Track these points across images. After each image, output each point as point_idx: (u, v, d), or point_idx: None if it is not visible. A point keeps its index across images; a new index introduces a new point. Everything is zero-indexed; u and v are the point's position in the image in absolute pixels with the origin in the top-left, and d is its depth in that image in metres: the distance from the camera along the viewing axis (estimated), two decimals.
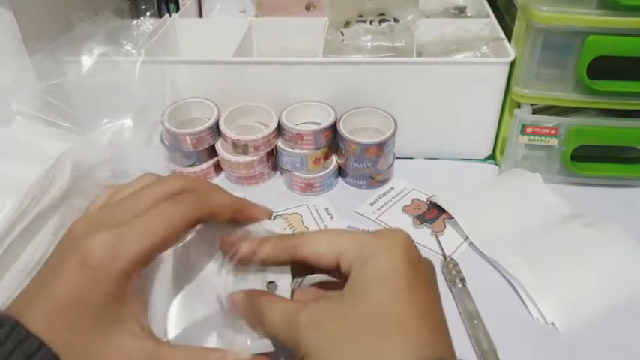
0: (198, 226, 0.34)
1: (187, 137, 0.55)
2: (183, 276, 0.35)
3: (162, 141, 0.57)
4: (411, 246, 0.30)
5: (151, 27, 0.66)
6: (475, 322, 0.41)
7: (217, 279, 0.35)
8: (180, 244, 0.34)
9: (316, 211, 0.54)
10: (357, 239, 0.31)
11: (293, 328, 0.29)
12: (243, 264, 0.34)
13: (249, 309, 0.32)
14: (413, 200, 0.55)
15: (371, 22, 0.63)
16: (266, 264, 0.34)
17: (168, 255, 0.33)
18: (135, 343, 0.29)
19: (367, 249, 0.30)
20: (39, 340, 0.26)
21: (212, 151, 0.57)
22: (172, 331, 0.34)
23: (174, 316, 0.34)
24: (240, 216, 0.35)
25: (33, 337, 0.26)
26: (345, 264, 0.30)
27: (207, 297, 0.35)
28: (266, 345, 0.33)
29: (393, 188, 0.57)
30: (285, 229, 0.36)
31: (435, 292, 0.29)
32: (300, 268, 0.34)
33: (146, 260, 0.30)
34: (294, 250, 0.32)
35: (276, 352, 0.33)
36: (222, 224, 0.36)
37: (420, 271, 0.29)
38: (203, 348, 0.33)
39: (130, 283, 0.29)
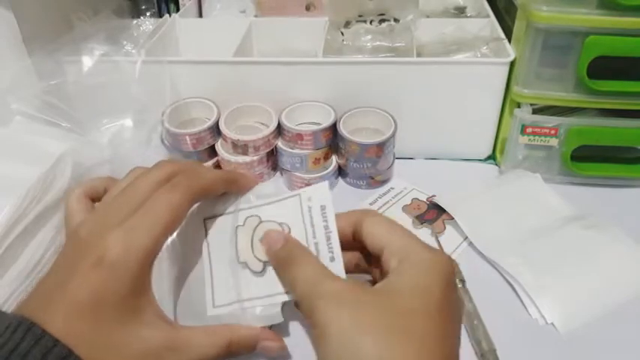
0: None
1: (187, 137, 0.55)
2: (178, 262, 0.36)
3: (162, 141, 0.57)
4: (452, 274, 0.30)
5: (151, 27, 0.66)
6: (475, 322, 0.41)
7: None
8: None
9: None
10: (408, 241, 0.31)
11: (316, 292, 0.29)
12: None
13: (282, 253, 0.32)
14: (413, 200, 0.55)
15: (371, 22, 0.63)
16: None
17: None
18: (153, 332, 0.30)
19: (414, 256, 0.30)
20: (53, 338, 0.26)
21: (212, 151, 0.57)
22: (181, 314, 0.34)
23: (180, 299, 0.35)
24: (233, 187, 0.36)
25: (48, 335, 0.26)
26: (386, 257, 0.31)
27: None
28: (275, 316, 0.33)
29: (392, 188, 0.57)
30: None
31: (457, 329, 0.29)
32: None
33: (158, 248, 0.31)
34: (361, 225, 0.32)
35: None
36: (205, 205, 0.36)
37: (453, 302, 0.29)
38: (218, 326, 0.33)
39: (147, 275, 0.30)
